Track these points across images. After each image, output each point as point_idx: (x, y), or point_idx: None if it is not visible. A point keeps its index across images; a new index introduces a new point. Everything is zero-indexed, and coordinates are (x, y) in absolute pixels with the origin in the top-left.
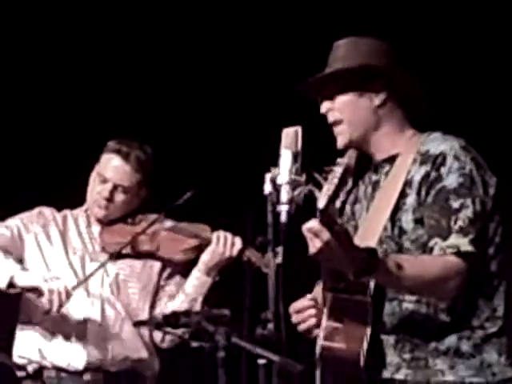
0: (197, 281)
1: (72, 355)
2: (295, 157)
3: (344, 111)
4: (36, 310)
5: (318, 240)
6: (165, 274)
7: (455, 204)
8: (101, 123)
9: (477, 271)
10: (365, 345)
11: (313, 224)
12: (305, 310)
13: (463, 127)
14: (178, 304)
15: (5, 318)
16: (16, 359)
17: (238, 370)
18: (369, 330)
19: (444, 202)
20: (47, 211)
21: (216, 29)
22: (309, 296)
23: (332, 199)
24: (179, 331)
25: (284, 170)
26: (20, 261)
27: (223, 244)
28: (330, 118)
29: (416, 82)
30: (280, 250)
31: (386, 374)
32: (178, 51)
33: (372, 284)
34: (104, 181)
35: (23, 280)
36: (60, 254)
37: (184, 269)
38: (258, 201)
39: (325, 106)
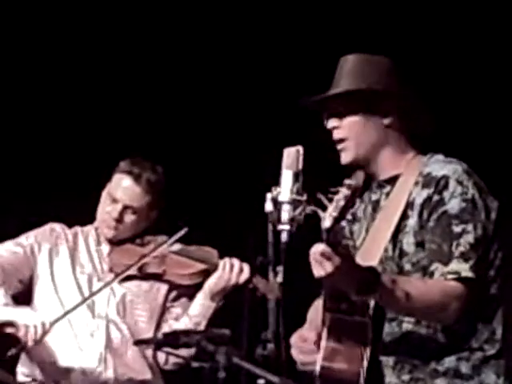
0: (201, 305)
1: (75, 375)
2: (296, 176)
3: (352, 131)
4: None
5: (328, 264)
6: (171, 296)
7: (457, 229)
8: (115, 140)
9: (477, 295)
10: (364, 365)
11: (324, 248)
12: (309, 354)
13: (463, 149)
14: (182, 327)
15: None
16: (20, 377)
17: None
18: (368, 351)
19: (446, 227)
20: (58, 228)
21: (221, 47)
22: (311, 336)
23: (338, 220)
24: (183, 352)
25: (285, 189)
26: (30, 278)
27: (229, 270)
28: (336, 136)
29: (421, 104)
30: (280, 269)
31: None
32: (181, 68)
33: (372, 305)
34: (114, 201)
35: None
36: (68, 273)
37: (191, 291)
38: (259, 220)
39: (331, 123)
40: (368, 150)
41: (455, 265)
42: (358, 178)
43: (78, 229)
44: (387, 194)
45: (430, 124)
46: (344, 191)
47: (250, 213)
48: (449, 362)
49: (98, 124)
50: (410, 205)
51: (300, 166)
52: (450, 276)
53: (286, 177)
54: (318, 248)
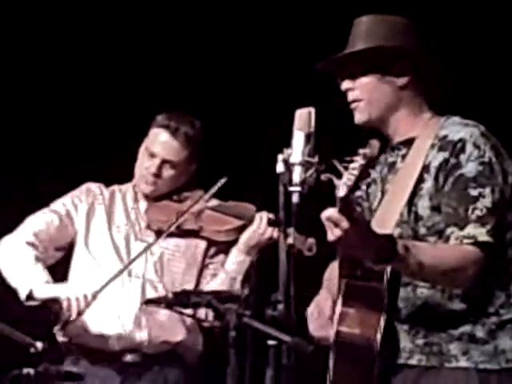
0: (236, 260)
1: (111, 337)
2: (308, 138)
3: (365, 91)
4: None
5: (337, 229)
6: (210, 253)
7: (473, 192)
8: (151, 96)
9: (493, 259)
10: (380, 331)
11: (332, 212)
12: (325, 328)
13: (480, 111)
14: (218, 282)
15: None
16: (59, 337)
17: (247, 351)
18: (383, 316)
19: (462, 190)
20: (94, 187)
21: (241, 13)
22: (326, 307)
23: (352, 189)
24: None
25: (296, 151)
26: (70, 243)
27: (265, 225)
28: (350, 97)
29: (438, 65)
30: (291, 230)
31: (400, 360)
32: (189, 34)
33: (388, 270)
34: (152, 156)
35: (42, 292)
36: (104, 233)
37: (229, 247)
38: (269, 181)
39: (345, 85)
40: (381, 110)
41: (471, 229)
42: (373, 148)
43: (115, 187)
44: (403, 157)
45: (447, 86)
46: (359, 160)
47: (260, 174)
48: (464, 326)
49: (133, 80)
50: (425, 168)
51: (312, 128)
52: (466, 240)
53: (298, 138)
54: (325, 213)
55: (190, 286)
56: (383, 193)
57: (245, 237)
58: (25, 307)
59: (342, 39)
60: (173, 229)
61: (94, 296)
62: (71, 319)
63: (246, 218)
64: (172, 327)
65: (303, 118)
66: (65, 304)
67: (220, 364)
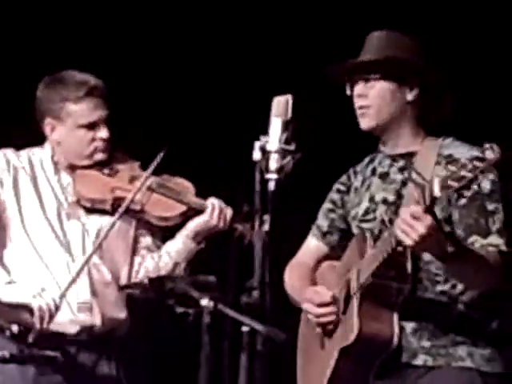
0: (183, 246)
1: (63, 323)
2: (285, 125)
3: (378, 98)
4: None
5: (419, 224)
6: (138, 233)
7: (490, 207)
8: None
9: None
10: (397, 329)
11: (416, 209)
12: (328, 305)
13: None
14: (161, 265)
15: None
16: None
17: (222, 337)
18: (397, 315)
19: (480, 205)
20: (12, 156)
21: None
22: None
23: (457, 190)
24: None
25: (274, 138)
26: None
27: (217, 216)
28: (360, 103)
29: (447, 86)
30: (267, 218)
31: (403, 359)
32: (172, 20)
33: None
34: (92, 126)
35: (9, 295)
36: (36, 210)
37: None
38: (248, 168)
39: (359, 90)
40: (386, 120)
41: (494, 239)
42: (497, 152)
43: (28, 153)
44: (401, 169)
45: (450, 108)
46: (477, 165)
47: (239, 161)
48: (467, 331)
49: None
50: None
51: (289, 115)
52: (491, 248)
53: (275, 125)
54: (409, 210)
55: (126, 260)
56: (373, 200)
57: (193, 225)
58: None
59: (325, 27)
60: (107, 205)
61: (61, 299)
62: (44, 327)
63: (189, 204)
64: (117, 307)
65: (281, 105)
66: (37, 313)
67: (194, 349)
